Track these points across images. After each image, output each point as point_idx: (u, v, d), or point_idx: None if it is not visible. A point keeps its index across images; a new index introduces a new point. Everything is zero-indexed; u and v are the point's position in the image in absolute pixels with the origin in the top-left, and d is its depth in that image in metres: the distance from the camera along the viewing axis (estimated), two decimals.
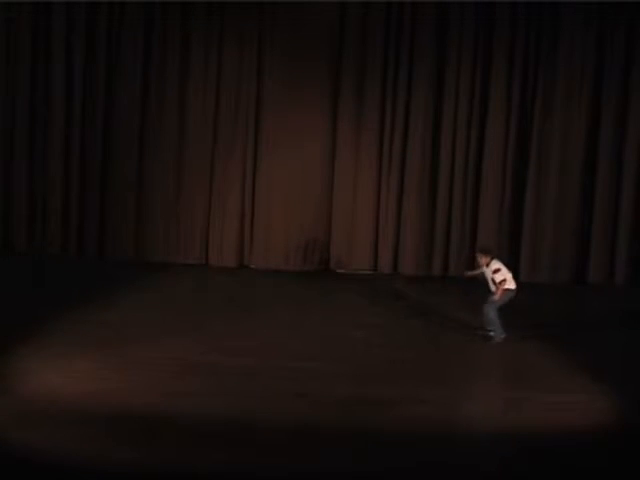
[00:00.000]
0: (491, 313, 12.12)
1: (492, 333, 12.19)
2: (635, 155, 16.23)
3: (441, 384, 10.66)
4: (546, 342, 12.21)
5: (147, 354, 11.22)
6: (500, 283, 12.03)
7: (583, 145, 16.32)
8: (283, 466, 8.32)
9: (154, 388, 10.08)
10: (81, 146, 16.78)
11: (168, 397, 9.81)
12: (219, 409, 9.60)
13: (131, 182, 16.76)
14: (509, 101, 16.34)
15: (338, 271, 16.78)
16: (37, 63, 16.70)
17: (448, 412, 9.77)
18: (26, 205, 16.89)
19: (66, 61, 16.66)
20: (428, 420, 9.52)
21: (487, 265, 12.25)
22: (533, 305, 13.92)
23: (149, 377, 10.43)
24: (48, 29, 16.62)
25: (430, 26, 16.26)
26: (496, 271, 12.11)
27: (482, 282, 12.46)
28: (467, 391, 10.57)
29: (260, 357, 11.32)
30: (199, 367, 10.87)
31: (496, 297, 12.08)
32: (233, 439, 8.87)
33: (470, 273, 13.02)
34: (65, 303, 13.27)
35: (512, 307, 12.21)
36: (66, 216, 16.87)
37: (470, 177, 16.54)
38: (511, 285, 12.15)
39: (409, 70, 16.40)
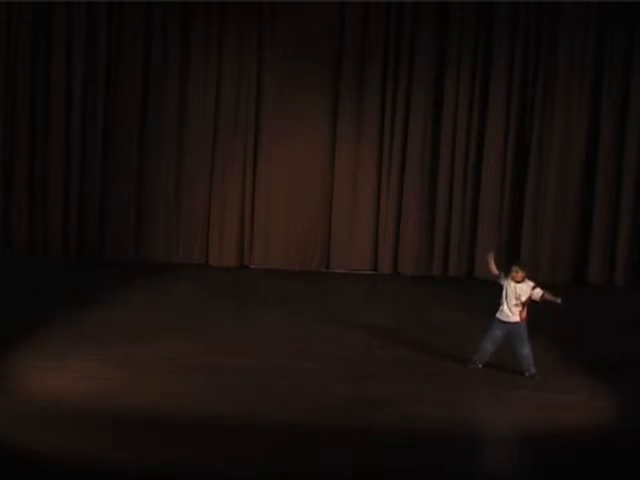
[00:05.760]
0: (525, 350, 11.02)
1: (528, 372, 10.99)
2: (635, 155, 16.22)
3: (441, 384, 10.67)
4: (546, 342, 12.20)
5: (147, 354, 11.22)
6: (541, 297, 10.87)
7: (583, 145, 16.32)
8: (283, 466, 8.32)
9: (154, 388, 10.09)
10: (81, 146, 16.75)
11: (168, 397, 9.81)
12: (219, 409, 9.60)
13: (131, 182, 16.75)
14: (509, 101, 16.33)
15: (338, 271, 16.78)
16: (37, 63, 16.68)
17: (447, 412, 9.77)
18: (26, 205, 16.87)
19: (66, 61, 16.63)
20: (428, 420, 9.52)
21: (520, 281, 10.91)
22: (532, 305, 13.88)
23: (149, 377, 10.44)
24: (48, 29, 16.61)
25: (430, 26, 16.25)
26: (535, 287, 10.93)
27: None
28: (467, 391, 10.57)
29: (260, 357, 11.33)
30: (199, 367, 10.87)
31: (521, 322, 10.92)
32: (233, 439, 8.87)
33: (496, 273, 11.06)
34: (65, 303, 13.28)
35: None
36: (66, 216, 16.86)
37: (470, 177, 16.52)
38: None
39: (409, 70, 16.39)
